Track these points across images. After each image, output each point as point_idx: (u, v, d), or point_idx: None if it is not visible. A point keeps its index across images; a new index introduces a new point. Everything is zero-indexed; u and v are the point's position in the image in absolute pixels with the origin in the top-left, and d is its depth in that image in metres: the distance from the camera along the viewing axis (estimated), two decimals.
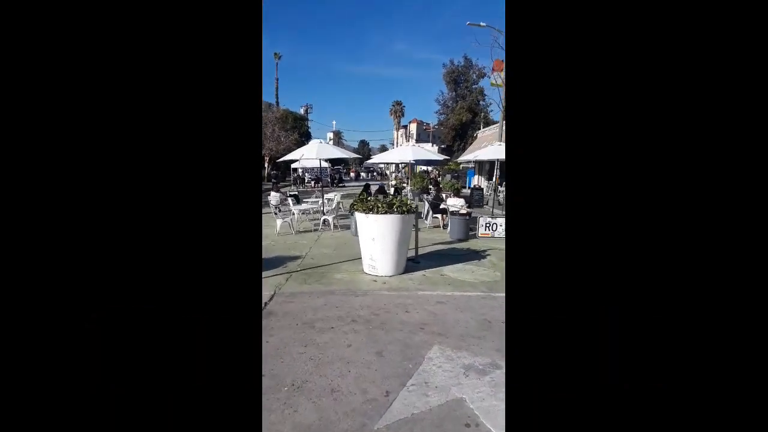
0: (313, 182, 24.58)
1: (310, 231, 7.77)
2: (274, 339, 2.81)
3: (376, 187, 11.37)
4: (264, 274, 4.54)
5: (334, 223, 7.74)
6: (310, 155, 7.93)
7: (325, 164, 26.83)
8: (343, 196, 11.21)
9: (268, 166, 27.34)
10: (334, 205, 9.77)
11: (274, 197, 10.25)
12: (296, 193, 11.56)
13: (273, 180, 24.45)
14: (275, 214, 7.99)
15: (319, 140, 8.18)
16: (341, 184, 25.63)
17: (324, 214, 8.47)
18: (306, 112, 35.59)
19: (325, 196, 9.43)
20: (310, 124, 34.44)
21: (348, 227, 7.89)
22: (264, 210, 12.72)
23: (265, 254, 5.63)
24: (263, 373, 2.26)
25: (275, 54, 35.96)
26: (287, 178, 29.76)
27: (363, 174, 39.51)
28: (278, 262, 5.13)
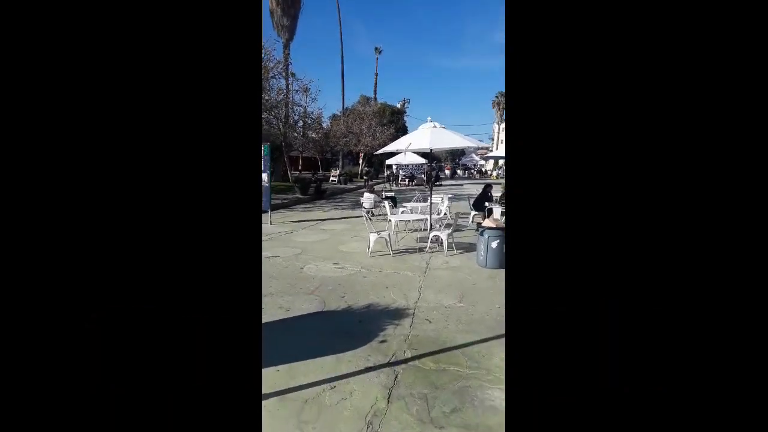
0: (407, 180, 22.49)
1: (414, 251, 5.49)
2: None
3: (500, 193, 8.57)
4: (349, 355, 2.39)
5: (448, 242, 5.32)
6: (421, 144, 5.63)
7: (420, 160, 24.74)
8: (450, 200, 8.75)
9: (362, 162, 26.45)
10: (442, 213, 7.36)
11: (367, 199, 8.34)
12: (393, 194, 9.52)
13: (365, 177, 23.33)
14: (368, 219, 5.97)
15: (432, 123, 5.86)
16: (438, 183, 22.99)
17: (431, 228, 6.13)
18: (403, 106, 33.95)
19: (430, 198, 7.06)
20: (406, 118, 32.73)
21: (468, 248, 5.40)
22: (355, 212, 11.30)
23: (353, 298, 3.52)
24: None
25: (376, 48, 35.29)
26: (380, 175, 28.54)
27: (459, 171, 36.04)
28: (371, 324, 2.94)
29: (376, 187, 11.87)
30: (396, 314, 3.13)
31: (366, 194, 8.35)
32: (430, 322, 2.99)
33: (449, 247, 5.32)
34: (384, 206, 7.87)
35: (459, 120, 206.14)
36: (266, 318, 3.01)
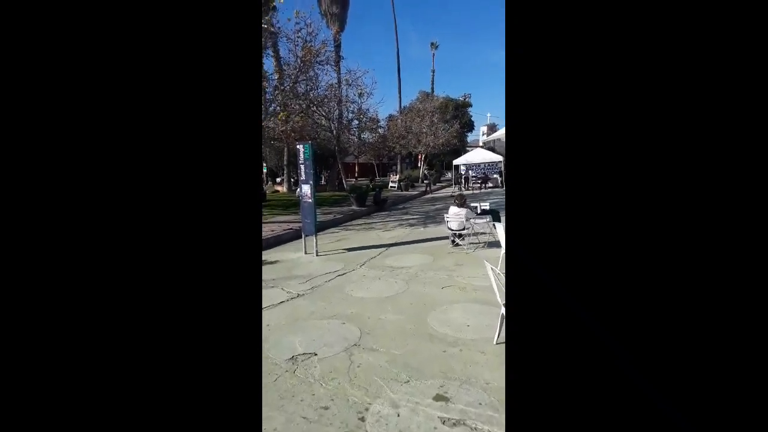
0: (480, 182, 19.01)
1: None
2: None
3: None
4: None
5: None
6: None
7: (494, 157, 21.02)
8: None
9: (423, 165, 23.58)
10: None
11: (455, 217, 5.48)
12: (488, 205, 6.53)
13: (426, 181, 20.33)
14: (453, 241, 3.13)
15: None
16: None
17: None
18: (466, 99, 30.45)
19: None
20: (470, 111, 29.16)
21: None
22: (429, 229, 7.85)
23: None
24: None
25: (432, 44, 32.45)
26: (442, 179, 25.37)
27: None
28: None
29: (456, 193, 8.94)
30: None
31: (453, 209, 5.51)
32: None
33: None
34: (492, 230, 4.94)
35: None
36: None
